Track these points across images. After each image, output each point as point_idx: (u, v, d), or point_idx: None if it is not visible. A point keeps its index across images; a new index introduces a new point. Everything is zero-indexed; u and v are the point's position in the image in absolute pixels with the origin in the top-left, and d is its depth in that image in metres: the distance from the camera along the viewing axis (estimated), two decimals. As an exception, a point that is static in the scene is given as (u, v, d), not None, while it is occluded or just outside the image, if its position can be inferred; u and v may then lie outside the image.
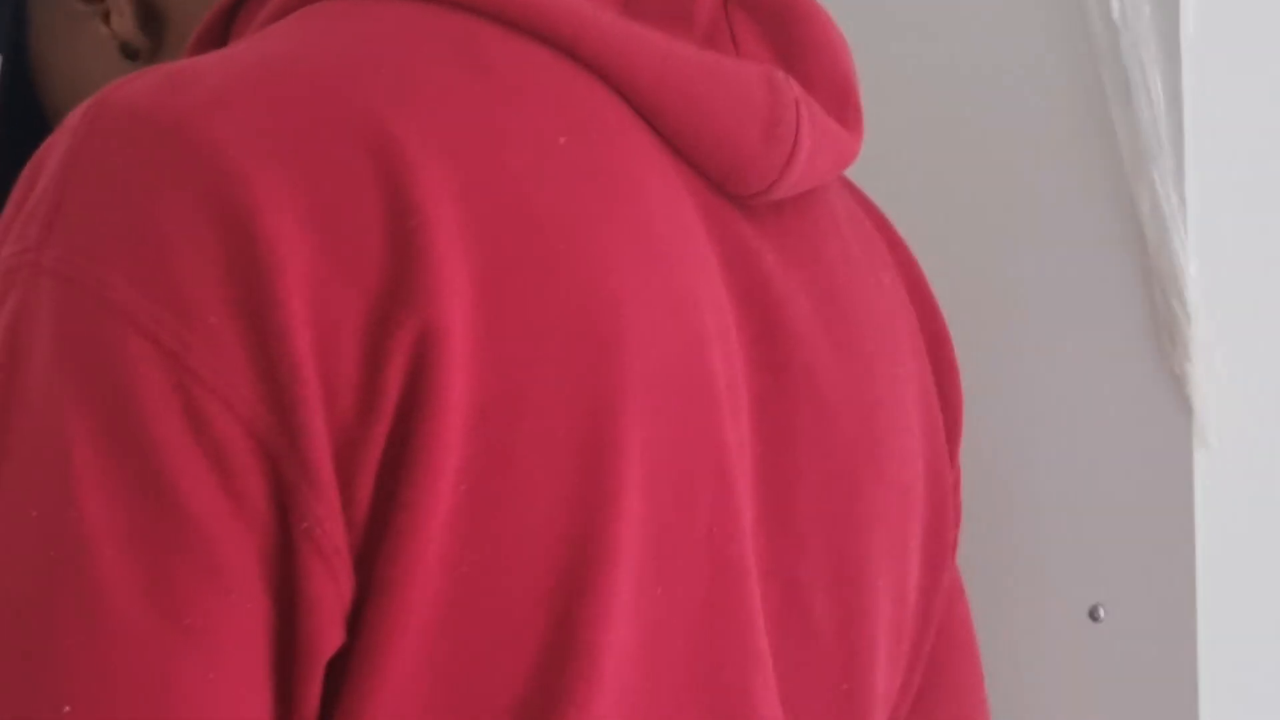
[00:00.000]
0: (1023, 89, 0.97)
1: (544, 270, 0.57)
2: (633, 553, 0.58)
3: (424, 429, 0.53)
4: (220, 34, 0.68)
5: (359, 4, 0.62)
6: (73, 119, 0.56)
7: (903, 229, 0.83)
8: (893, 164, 0.89)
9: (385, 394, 0.53)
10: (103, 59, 0.79)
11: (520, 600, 0.56)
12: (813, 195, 0.72)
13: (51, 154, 0.55)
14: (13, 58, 0.83)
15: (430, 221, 0.54)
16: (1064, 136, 0.95)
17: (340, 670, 0.54)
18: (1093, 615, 0.94)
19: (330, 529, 0.52)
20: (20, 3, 0.82)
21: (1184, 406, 0.92)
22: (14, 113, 0.84)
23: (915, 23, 1.00)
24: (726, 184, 0.66)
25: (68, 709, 0.50)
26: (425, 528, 0.53)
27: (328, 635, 0.53)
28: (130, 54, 0.78)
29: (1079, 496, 0.95)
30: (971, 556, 0.84)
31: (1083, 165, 0.95)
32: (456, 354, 0.54)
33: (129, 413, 0.51)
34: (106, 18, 0.78)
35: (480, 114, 0.58)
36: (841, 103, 0.71)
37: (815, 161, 0.68)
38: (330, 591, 0.53)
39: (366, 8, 0.62)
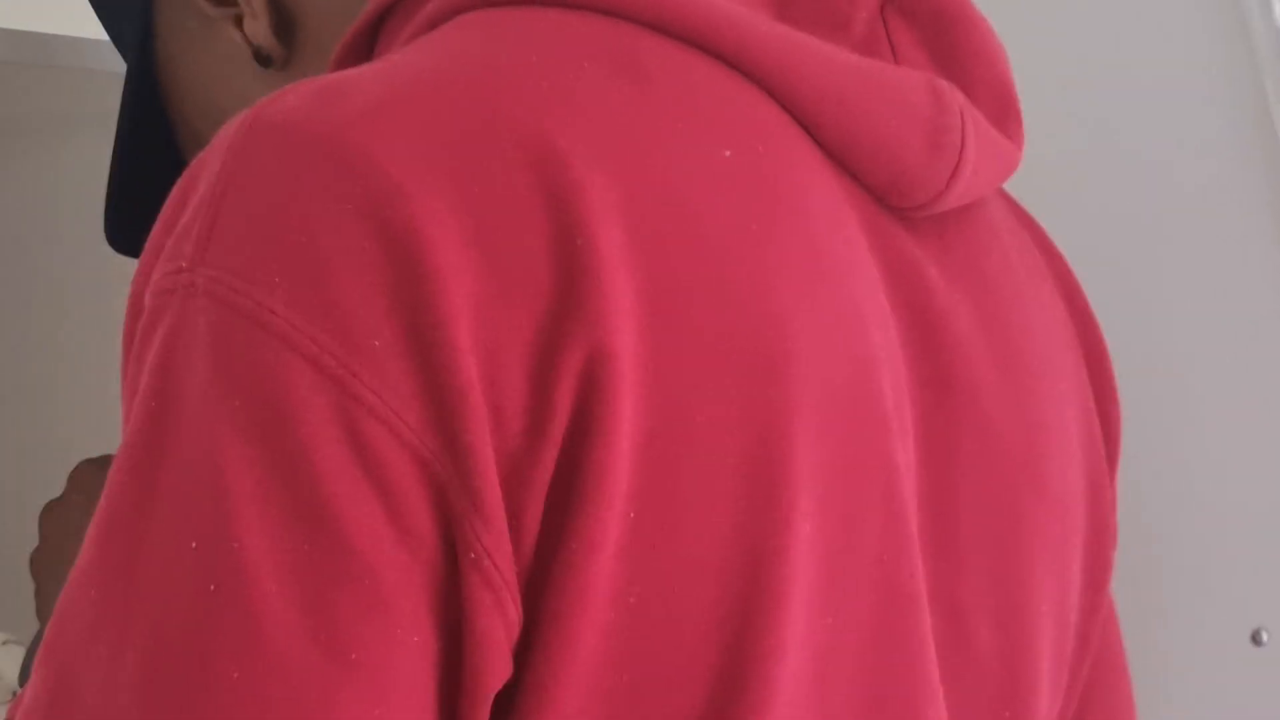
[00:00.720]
0: (1182, 94, 0.94)
1: (710, 288, 0.55)
2: (804, 581, 0.56)
3: (594, 455, 0.51)
4: (366, 47, 0.67)
5: (511, 13, 0.60)
6: (226, 135, 0.54)
7: (1057, 237, 0.81)
8: (1048, 170, 0.86)
9: (554, 419, 0.51)
10: (234, 65, 0.78)
11: (691, 631, 0.54)
12: (973, 207, 0.70)
13: (204, 170, 0.54)
14: (139, 59, 0.82)
15: (596, 239, 0.52)
16: (1225, 141, 0.92)
17: (508, 704, 0.52)
18: (1255, 639, 0.90)
19: (498, 559, 0.51)
20: (148, 3, 0.81)
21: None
22: (139, 113, 0.83)
23: (1072, 27, 0.97)
24: (889, 196, 0.64)
25: None
26: (595, 557, 0.51)
27: (495, 669, 0.51)
28: (264, 61, 0.76)
29: (1241, 512, 0.92)
30: (1125, 576, 0.82)
31: (1244, 171, 0.91)
32: (625, 377, 0.52)
33: (290, 440, 0.49)
34: (239, 22, 0.76)
35: (643, 126, 0.56)
36: (1003, 111, 0.69)
37: (980, 173, 0.66)
38: (498, 624, 0.51)
39: (520, 16, 0.60)
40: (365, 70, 0.57)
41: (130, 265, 0.70)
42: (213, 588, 0.49)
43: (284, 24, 0.75)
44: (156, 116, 0.83)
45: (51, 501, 0.91)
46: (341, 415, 0.50)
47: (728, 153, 0.58)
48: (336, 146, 0.52)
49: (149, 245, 0.55)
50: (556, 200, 0.52)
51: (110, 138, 0.84)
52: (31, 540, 0.91)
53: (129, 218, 0.87)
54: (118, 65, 0.85)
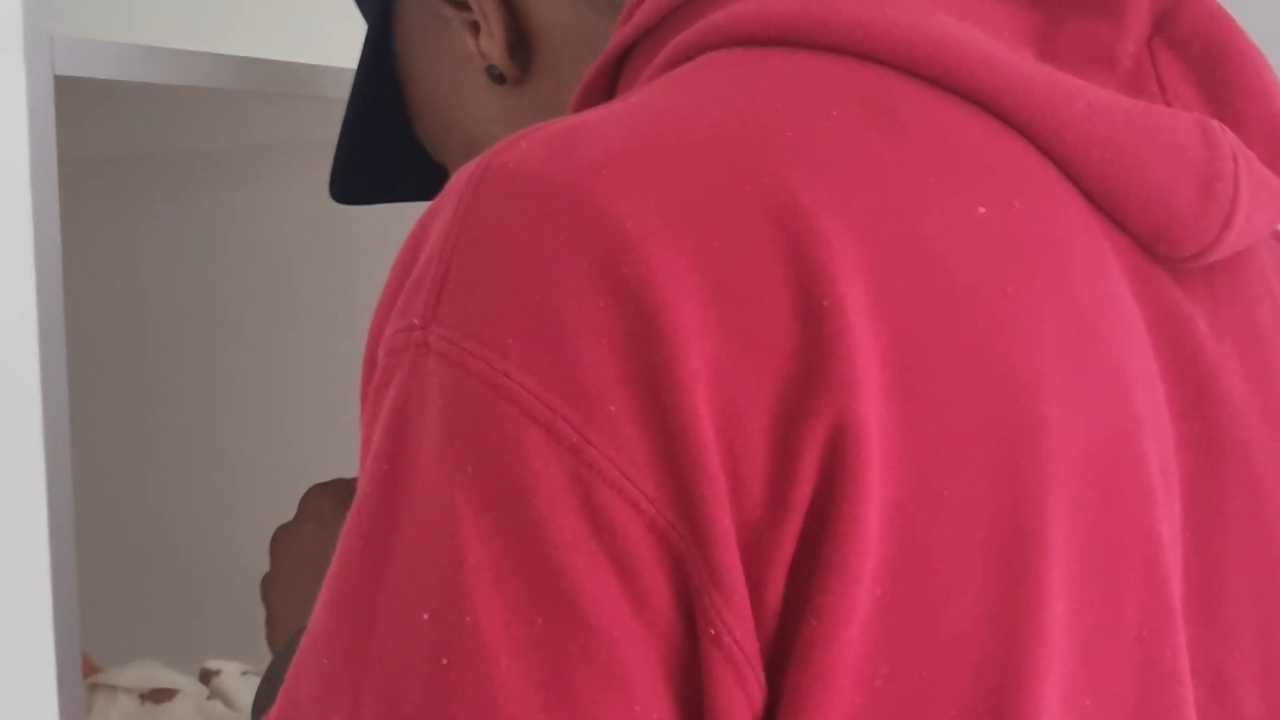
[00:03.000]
0: None
1: (961, 353, 0.52)
2: (1058, 661, 0.53)
3: (839, 529, 0.49)
4: (607, 86, 0.65)
5: (758, 54, 0.58)
6: (457, 183, 0.53)
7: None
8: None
9: (797, 490, 0.49)
10: (465, 71, 0.76)
11: (939, 715, 0.51)
12: (1243, 253, 0.66)
13: (435, 220, 0.53)
14: (378, 30, 0.81)
15: (843, 302, 0.50)
16: None
17: None
18: None
19: (740, 635, 0.49)
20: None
21: None
22: (375, 84, 0.82)
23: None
24: (1157, 246, 0.60)
25: None
26: (841, 635, 0.49)
27: None
28: (495, 78, 0.74)
29: None
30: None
31: None
32: (873, 447, 0.49)
33: (524, 509, 0.48)
34: (473, 29, 0.74)
35: (893, 180, 0.54)
36: (1277, 151, 0.64)
37: (1253, 219, 0.61)
38: (740, 703, 0.49)
39: (767, 59, 0.57)
40: (603, 114, 0.55)
41: (367, 280, 0.69)
42: (446, 661, 0.48)
43: (520, 44, 0.73)
44: (390, 84, 0.83)
45: (282, 527, 0.92)
46: (577, 484, 0.48)
47: (982, 209, 0.55)
48: (572, 197, 0.50)
49: (383, 296, 0.54)
50: (800, 258, 0.50)
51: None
52: (264, 566, 0.92)
53: (357, 170, 0.88)
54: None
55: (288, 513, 0.93)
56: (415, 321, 0.51)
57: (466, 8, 0.74)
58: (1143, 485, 0.57)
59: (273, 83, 0.92)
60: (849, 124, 0.54)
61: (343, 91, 0.95)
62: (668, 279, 0.49)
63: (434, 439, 0.50)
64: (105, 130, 1.13)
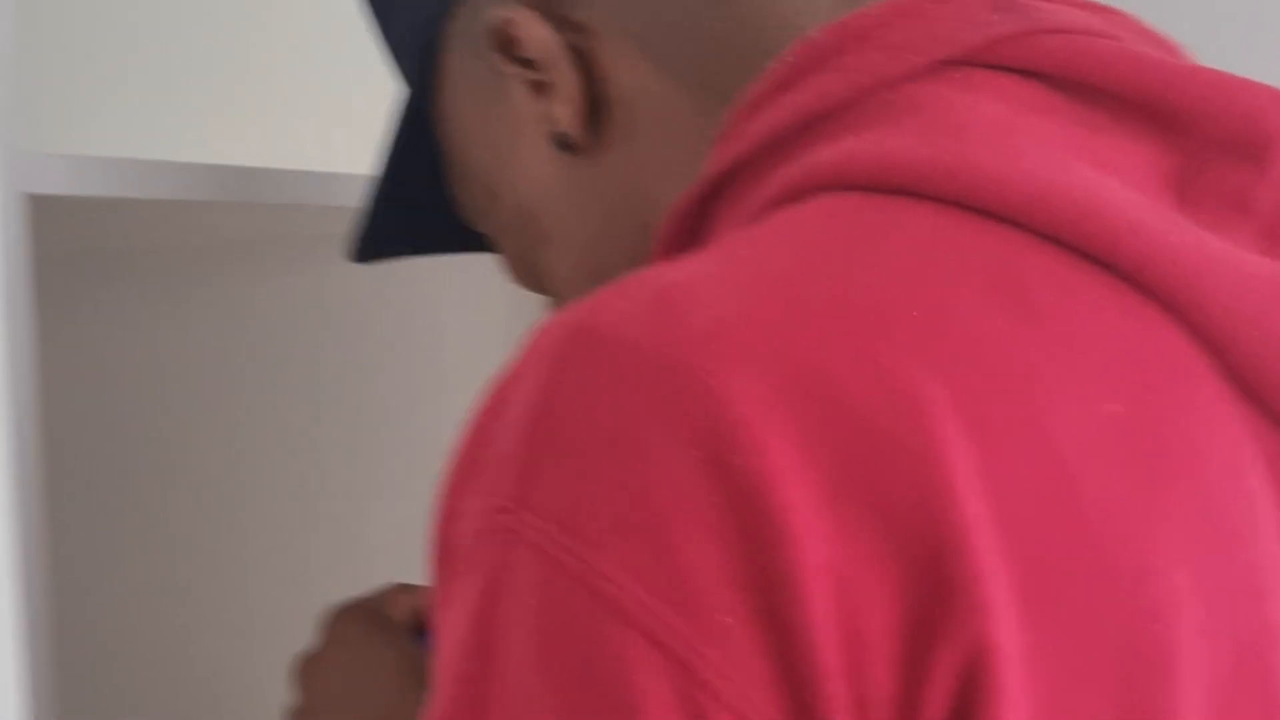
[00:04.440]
0: None
1: (1088, 573, 0.48)
2: None
3: None
4: (697, 216, 0.60)
5: (876, 204, 0.53)
6: (544, 343, 0.49)
7: None
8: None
9: (928, 716, 0.45)
10: (522, 137, 0.68)
11: None
12: None
13: (520, 384, 0.48)
14: (418, 91, 0.73)
15: (967, 517, 0.46)
16: None
17: None
18: None
19: None
20: (434, 36, 0.71)
21: None
22: (407, 147, 0.76)
23: None
24: None
25: None
26: None
27: None
28: (562, 145, 0.66)
29: None
30: None
31: None
32: (1008, 674, 0.46)
33: (608, 705, 0.44)
34: (535, 89, 0.67)
35: (1020, 374, 0.49)
36: None
37: None
38: None
39: (886, 212, 0.53)
40: (708, 269, 0.51)
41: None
42: None
43: (595, 113, 0.66)
44: (426, 146, 0.75)
45: (308, 656, 0.84)
46: (689, 705, 0.44)
47: (1113, 406, 0.50)
48: (676, 372, 0.46)
49: (459, 461, 0.50)
50: (921, 463, 0.46)
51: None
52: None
53: (383, 224, 0.80)
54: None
55: (293, 634, 0.90)
56: (504, 504, 0.47)
57: (532, 66, 0.66)
58: (1270, 698, 0.53)
59: (245, 192, 0.90)
60: (978, 305, 0.50)
61: (314, 196, 0.93)
62: (783, 476, 0.45)
63: (527, 643, 0.46)
64: (78, 233, 1.11)
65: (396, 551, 1.16)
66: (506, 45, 0.66)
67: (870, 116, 0.56)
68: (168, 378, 1.30)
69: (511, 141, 0.69)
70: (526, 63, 0.66)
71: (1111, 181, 0.55)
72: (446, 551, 0.50)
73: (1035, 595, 0.47)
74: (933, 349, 0.48)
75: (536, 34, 0.65)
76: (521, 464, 0.47)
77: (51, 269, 1.29)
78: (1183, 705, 0.49)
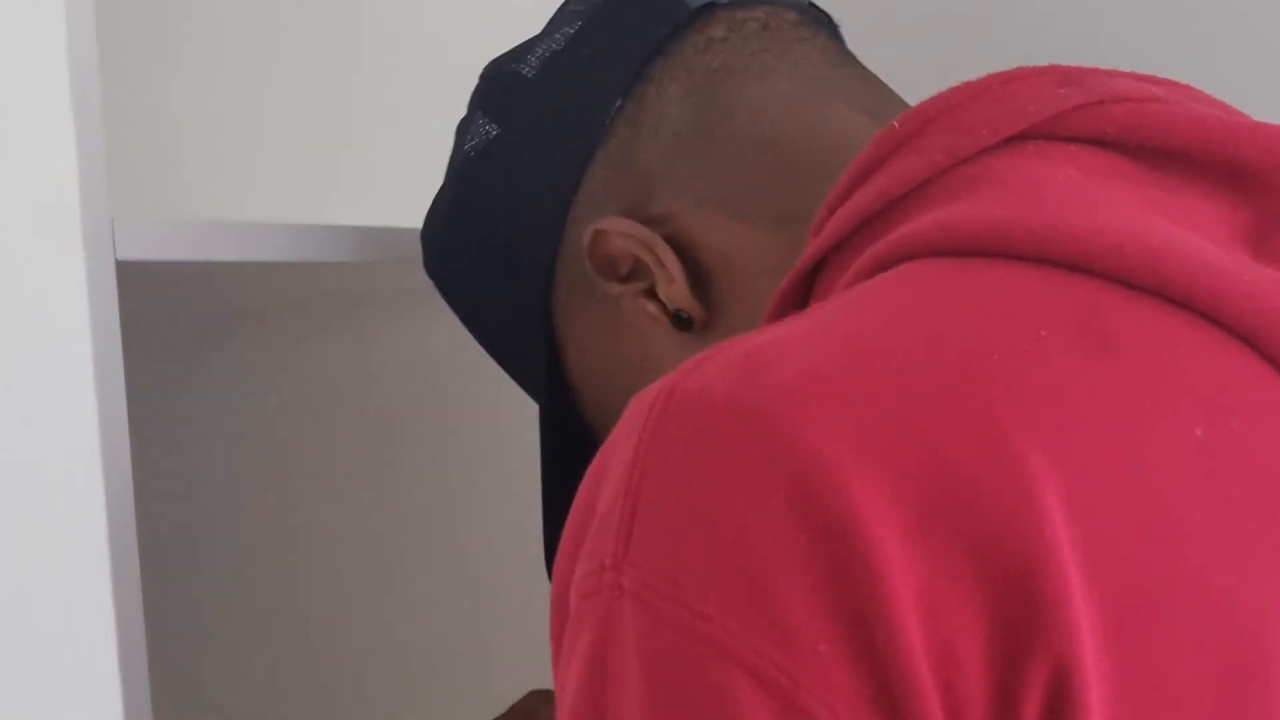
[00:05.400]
0: None
1: (1178, 593, 0.49)
2: None
3: None
4: (798, 304, 0.62)
5: (957, 265, 0.55)
6: (639, 411, 0.50)
7: None
8: None
9: None
10: (644, 337, 0.72)
11: None
12: None
13: (616, 454, 0.50)
14: (552, 398, 0.77)
15: (1056, 543, 0.47)
16: None
17: None
18: None
19: None
20: (549, 338, 0.76)
21: None
22: (560, 447, 0.79)
23: None
24: None
25: None
26: None
27: None
28: (684, 324, 0.70)
29: None
30: None
31: None
32: (1093, 692, 0.47)
33: None
34: (646, 294, 0.71)
35: (1104, 407, 0.50)
36: None
37: None
38: None
39: (968, 271, 0.54)
40: (795, 329, 0.53)
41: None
42: None
43: (700, 281, 0.70)
44: (576, 437, 0.79)
45: None
46: None
47: (1199, 431, 0.51)
48: (765, 424, 0.48)
49: (566, 534, 0.52)
50: (1006, 494, 0.47)
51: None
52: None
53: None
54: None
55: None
56: (606, 562, 0.49)
57: (635, 276, 0.71)
58: None
59: (333, 251, 0.90)
60: (1059, 346, 0.51)
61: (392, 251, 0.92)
62: (869, 512, 0.46)
63: (636, 691, 0.47)
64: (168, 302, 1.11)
65: (496, 599, 1.15)
66: (607, 267, 0.71)
67: (948, 190, 0.58)
68: (262, 433, 1.30)
69: (643, 350, 0.73)
70: (628, 276, 0.71)
71: (1187, 233, 0.56)
72: (560, 619, 0.51)
73: (1122, 617, 0.48)
74: (1014, 388, 0.49)
75: (628, 237, 0.70)
76: (620, 523, 0.49)
77: (150, 332, 1.30)
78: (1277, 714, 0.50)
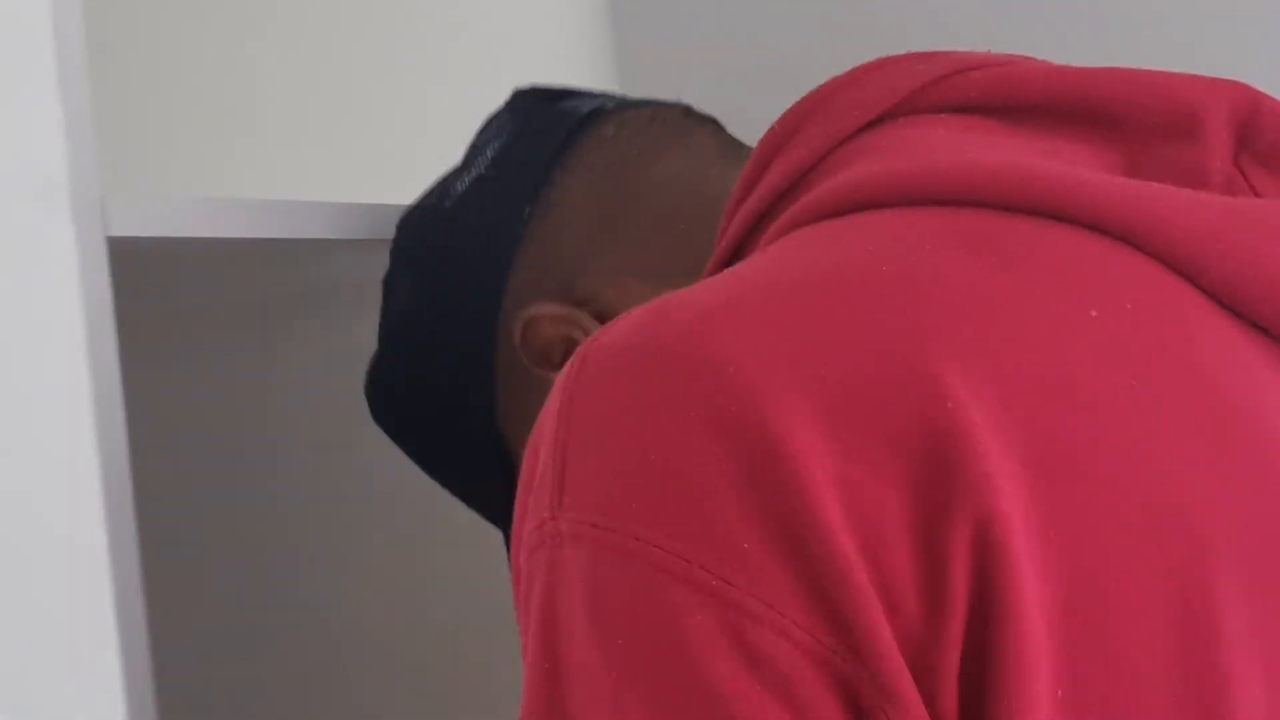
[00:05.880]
0: None
1: (1097, 446, 0.52)
2: None
3: (1005, 629, 0.48)
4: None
5: (846, 219, 0.59)
6: (559, 380, 0.54)
7: None
8: None
9: (952, 592, 0.49)
10: None
11: None
12: None
13: (544, 423, 0.53)
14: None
15: (966, 404, 0.50)
16: None
17: None
18: None
19: None
20: (504, 461, 0.81)
21: None
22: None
23: None
24: None
25: None
26: None
27: None
28: None
29: None
30: None
31: None
32: (1020, 540, 0.49)
33: (681, 667, 0.48)
34: None
35: (998, 297, 0.54)
36: None
37: None
38: None
39: (856, 220, 0.58)
40: (697, 285, 0.57)
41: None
42: None
43: None
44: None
45: None
46: (727, 627, 0.48)
47: (1094, 312, 0.55)
48: (671, 352, 0.51)
49: (516, 507, 0.55)
50: (915, 376, 0.50)
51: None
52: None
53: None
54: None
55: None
56: (545, 516, 0.51)
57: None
58: None
59: (331, 228, 0.89)
60: (948, 256, 0.55)
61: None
62: (778, 406, 0.49)
63: (582, 625, 0.50)
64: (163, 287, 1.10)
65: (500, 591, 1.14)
66: (542, 356, 0.77)
67: (830, 170, 0.63)
68: (262, 420, 1.30)
69: None
70: (565, 358, 0.73)
71: (1063, 164, 0.60)
72: (517, 580, 0.54)
73: (1045, 470, 0.50)
74: (909, 289, 0.53)
75: (557, 319, 0.76)
76: (553, 478, 0.52)
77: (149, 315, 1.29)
78: (1217, 561, 0.52)
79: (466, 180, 0.82)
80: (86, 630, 0.69)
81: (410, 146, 1.30)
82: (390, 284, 0.84)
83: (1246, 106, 0.63)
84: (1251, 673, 0.52)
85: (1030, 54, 0.69)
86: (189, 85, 1.35)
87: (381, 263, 0.87)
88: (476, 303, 0.79)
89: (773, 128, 0.66)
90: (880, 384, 0.50)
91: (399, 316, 0.83)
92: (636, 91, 0.90)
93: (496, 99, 0.87)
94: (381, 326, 0.85)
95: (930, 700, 0.48)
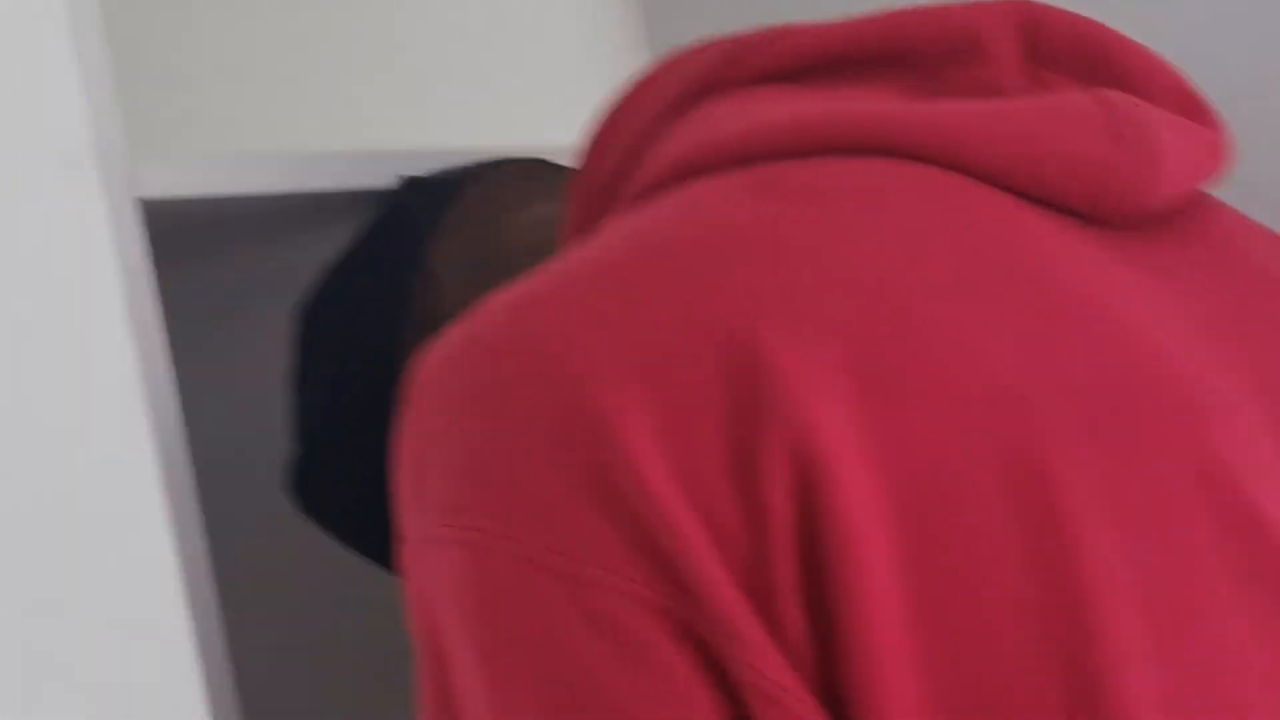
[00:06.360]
0: None
1: (913, 347, 0.54)
2: (1120, 587, 0.53)
3: (832, 535, 0.50)
4: None
5: (648, 199, 0.62)
6: (404, 399, 0.56)
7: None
8: None
9: (775, 513, 0.50)
10: None
11: (1017, 673, 0.51)
12: (1198, 215, 0.67)
13: (397, 441, 0.56)
14: None
15: (766, 349, 0.52)
16: None
17: None
18: None
19: (772, 671, 0.49)
20: None
21: None
22: None
23: None
24: (1099, 210, 0.61)
25: None
26: (877, 634, 0.50)
27: None
28: None
29: None
30: None
31: None
32: (843, 454, 0.51)
33: (546, 648, 0.50)
34: None
35: (803, 239, 0.56)
36: (1184, 103, 0.67)
37: (1183, 159, 0.64)
38: None
39: (655, 201, 0.61)
40: (501, 295, 0.58)
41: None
42: None
43: None
44: None
45: None
46: (574, 600, 0.50)
47: (897, 228, 0.57)
48: (489, 349, 0.54)
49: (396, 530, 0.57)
50: (719, 326, 0.52)
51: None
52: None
53: None
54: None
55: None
56: (409, 527, 0.54)
57: None
58: (1175, 407, 0.57)
59: (365, 178, 0.88)
60: (742, 207, 0.57)
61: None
62: (596, 381, 0.51)
63: (457, 624, 0.52)
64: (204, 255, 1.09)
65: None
66: None
67: (642, 158, 0.66)
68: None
69: None
70: None
71: (848, 103, 0.63)
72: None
73: (864, 373, 0.52)
74: (712, 250, 0.55)
75: None
76: (412, 489, 0.54)
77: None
78: (1047, 427, 0.53)
79: (351, 264, 0.89)
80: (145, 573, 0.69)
81: (433, 95, 1.28)
82: (297, 379, 0.92)
83: (1027, 20, 0.66)
84: (1101, 529, 0.53)
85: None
86: (210, 45, 1.34)
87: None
88: (381, 375, 0.82)
89: (591, 133, 0.70)
90: (688, 340, 0.52)
91: (319, 412, 0.91)
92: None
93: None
94: (300, 423, 0.92)
95: (779, 622, 0.50)
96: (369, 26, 1.31)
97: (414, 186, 0.90)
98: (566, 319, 0.53)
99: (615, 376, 0.51)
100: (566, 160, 0.81)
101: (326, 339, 0.90)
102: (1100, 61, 0.66)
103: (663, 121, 0.66)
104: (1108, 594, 0.53)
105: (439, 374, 0.55)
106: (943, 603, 0.51)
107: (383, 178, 0.90)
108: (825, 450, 0.50)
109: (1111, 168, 0.60)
